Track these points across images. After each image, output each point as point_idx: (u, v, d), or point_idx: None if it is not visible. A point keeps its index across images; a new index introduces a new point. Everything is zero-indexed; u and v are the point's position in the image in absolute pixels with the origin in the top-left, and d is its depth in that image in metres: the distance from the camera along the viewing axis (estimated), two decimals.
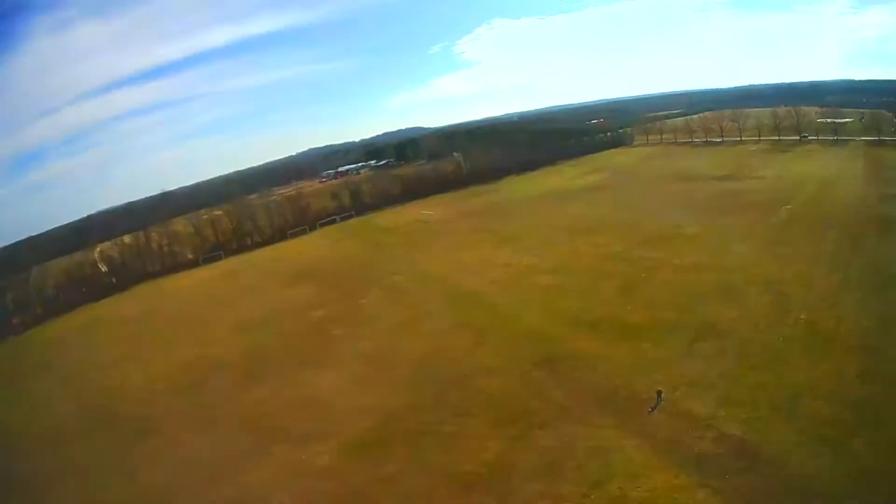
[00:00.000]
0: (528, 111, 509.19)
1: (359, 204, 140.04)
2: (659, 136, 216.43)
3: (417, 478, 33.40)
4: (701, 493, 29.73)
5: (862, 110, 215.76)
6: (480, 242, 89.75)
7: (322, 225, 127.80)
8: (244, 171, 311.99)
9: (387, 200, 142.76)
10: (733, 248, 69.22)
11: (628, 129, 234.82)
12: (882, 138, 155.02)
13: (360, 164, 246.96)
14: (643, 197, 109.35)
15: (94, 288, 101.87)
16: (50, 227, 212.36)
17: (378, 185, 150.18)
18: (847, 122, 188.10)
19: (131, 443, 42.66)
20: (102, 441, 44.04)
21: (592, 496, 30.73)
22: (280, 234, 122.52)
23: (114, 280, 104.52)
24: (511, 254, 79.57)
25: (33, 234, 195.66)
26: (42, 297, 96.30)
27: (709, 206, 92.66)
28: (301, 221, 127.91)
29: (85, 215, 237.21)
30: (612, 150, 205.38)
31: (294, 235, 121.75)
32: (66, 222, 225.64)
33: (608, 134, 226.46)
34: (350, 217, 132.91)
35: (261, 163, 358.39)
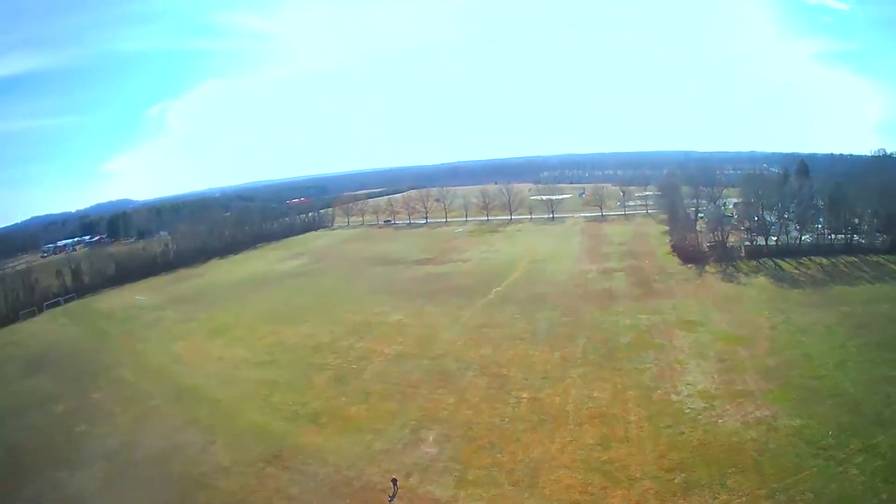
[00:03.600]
0: (230, 186, 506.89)
1: (79, 284, 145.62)
2: (360, 218, 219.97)
3: None
4: None
5: (583, 185, 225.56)
6: (193, 332, 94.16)
7: (48, 307, 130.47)
8: None
9: (103, 282, 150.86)
10: (441, 334, 71.97)
11: (329, 210, 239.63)
12: (605, 213, 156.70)
13: (75, 240, 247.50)
14: (345, 283, 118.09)
15: None
16: None
17: (95, 263, 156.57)
18: (565, 198, 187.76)
19: None
20: None
21: None
22: (13, 314, 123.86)
23: None
24: (223, 346, 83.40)
25: None
26: None
27: (412, 292, 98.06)
28: (31, 300, 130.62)
29: None
30: (313, 233, 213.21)
31: (25, 317, 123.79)
32: None
33: (309, 214, 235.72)
34: (73, 299, 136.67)
35: None
